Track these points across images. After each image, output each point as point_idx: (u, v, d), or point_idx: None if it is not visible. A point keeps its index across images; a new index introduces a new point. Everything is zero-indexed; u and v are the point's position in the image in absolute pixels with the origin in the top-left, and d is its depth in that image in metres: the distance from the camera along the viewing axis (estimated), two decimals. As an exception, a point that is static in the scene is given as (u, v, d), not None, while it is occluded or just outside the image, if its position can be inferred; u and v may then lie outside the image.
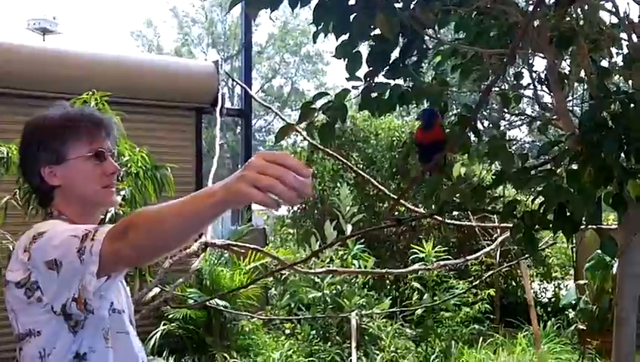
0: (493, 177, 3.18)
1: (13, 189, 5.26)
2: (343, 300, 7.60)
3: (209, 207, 1.43)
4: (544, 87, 3.59)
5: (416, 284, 8.22)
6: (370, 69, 3.14)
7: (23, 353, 1.84)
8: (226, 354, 7.08)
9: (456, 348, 7.73)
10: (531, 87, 3.66)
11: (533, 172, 2.98)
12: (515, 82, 3.76)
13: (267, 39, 31.32)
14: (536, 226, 2.91)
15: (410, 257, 8.26)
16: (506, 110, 3.89)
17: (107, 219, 4.68)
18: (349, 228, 8.01)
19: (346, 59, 3.03)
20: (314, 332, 7.69)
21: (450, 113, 5.02)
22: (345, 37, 2.98)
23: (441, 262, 7.05)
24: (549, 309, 9.43)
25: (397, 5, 2.99)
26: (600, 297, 7.78)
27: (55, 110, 2.01)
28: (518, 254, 8.13)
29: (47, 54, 7.43)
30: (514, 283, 9.74)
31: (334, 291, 7.71)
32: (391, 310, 7.97)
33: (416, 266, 7.39)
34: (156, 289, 6.12)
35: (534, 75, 3.62)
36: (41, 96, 6.59)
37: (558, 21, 3.21)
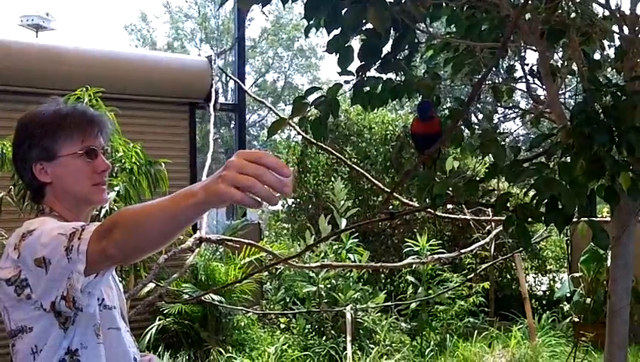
0: (486, 170, 3.19)
1: (7, 186, 5.27)
2: (337, 294, 7.62)
3: (190, 206, 1.43)
4: (536, 80, 3.60)
5: (410, 278, 8.23)
6: (362, 63, 3.14)
7: (15, 349, 1.84)
8: (221, 349, 7.08)
9: (451, 341, 7.76)
10: (524, 80, 3.67)
11: (525, 165, 2.99)
12: (507, 75, 3.76)
13: (260, 34, 31.33)
14: (529, 219, 2.92)
15: (405, 251, 8.28)
16: (498, 103, 3.89)
17: (102, 216, 4.69)
18: (343, 222, 8.02)
19: (338, 54, 3.03)
20: (309, 326, 7.71)
21: (444, 107, 5.02)
22: (336, 31, 2.99)
23: (436, 256, 7.06)
24: (544, 302, 9.47)
25: (388, -1, 2.99)
26: (594, 289, 7.81)
27: (48, 106, 2.00)
28: (513, 247, 8.15)
29: (41, 50, 7.41)
30: (509, 277, 9.76)
31: (329, 285, 7.73)
32: (386, 304, 7.99)
33: (410, 260, 7.40)
34: (151, 285, 6.12)
35: (526, 68, 3.62)
36: (34, 92, 6.57)
37: (549, 14, 3.21)
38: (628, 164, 2.81)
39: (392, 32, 3.12)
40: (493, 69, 3.59)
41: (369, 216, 9.20)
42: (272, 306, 8.21)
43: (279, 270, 8.24)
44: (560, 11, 3.31)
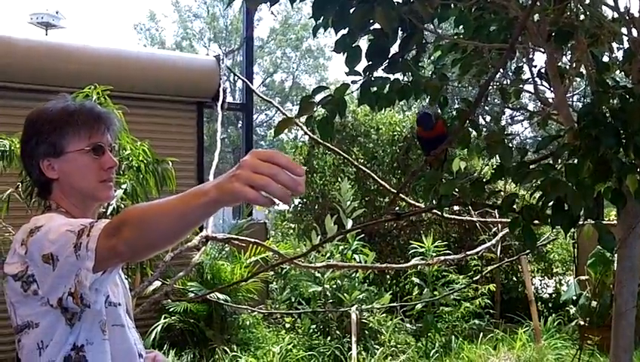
0: (493, 171, 3.19)
1: (15, 182, 5.30)
2: (343, 294, 7.62)
3: (202, 206, 1.44)
4: (544, 82, 3.59)
5: (416, 279, 8.23)
6: (370, 63, 3.14)
7: (21, 344, 1.85)
8: (226, 348, 7.09)
9: (457, 343, 7.75)
10: (531, 81, 3.66)
11: (532, 166, 2.98)
12: (515, 77, 3.76)
13: (269, 34, 31.35)
14: (535, 221, 2.92)
15: (411, 252, 8.27)
16: (506, 105, 3.89)
17: (109, 213, 4.70)
18: (349, 223, 8.02)
19: (346, 54, 3.04)
20: (314, 326, 7.71)
21: (452, 108, 5.02)
22: (344, 31, 2.99)
23: (442, 257, 7.06)
24: (550, 305, 9.45)
25: (396, -1, 2.99)
26: (601, 292, 7.78)
27: (56, 103, 2.01)
28: (519, 249, 8.13)
29: (50, 48, 7.43)
30: (515, 279, 9.74)
31: (334, 285, 7.73)
32: (391, 305, 7.99)
33: (416, 261, 7.40)
34: (157, 283, 6.15)
35: (534, 69, 3.62)
36: (43, 89, 6.60)
37: (557, 15, 3.21)
38: (635, 166, 2.80)
39: (399, 32, 3.12)
40: (501, 70, 3.58)
41: (375, 216, 9.19)
42: (277, 306, 8.21)
43: (285, 270, 8.24)
44: (568, 13, 3.30)
